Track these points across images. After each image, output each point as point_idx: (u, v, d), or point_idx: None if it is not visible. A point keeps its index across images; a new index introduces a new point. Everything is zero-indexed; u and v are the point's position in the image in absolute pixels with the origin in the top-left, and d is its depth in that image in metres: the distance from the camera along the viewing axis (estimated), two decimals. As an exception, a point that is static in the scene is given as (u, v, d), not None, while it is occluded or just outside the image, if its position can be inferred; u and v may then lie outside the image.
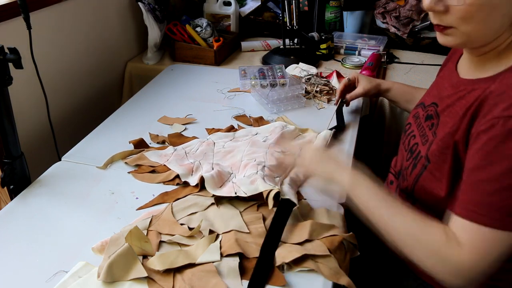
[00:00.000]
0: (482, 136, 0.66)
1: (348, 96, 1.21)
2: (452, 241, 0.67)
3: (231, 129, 1.15)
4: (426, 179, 0.79)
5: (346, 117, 1.22)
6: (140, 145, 1.08)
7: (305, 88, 1.34)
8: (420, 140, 0.84)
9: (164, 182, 0.94)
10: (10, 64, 0.84)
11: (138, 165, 1.00)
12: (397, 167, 0.94)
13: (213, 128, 1.16)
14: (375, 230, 0.75)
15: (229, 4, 1.82)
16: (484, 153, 0.65)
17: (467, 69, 0.80)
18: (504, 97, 0.65)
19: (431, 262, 0.69)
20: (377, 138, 1.52)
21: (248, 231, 0.80)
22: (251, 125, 1.19)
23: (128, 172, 0.98)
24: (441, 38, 0.74)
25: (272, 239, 0.78)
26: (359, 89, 1.18)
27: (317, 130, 1.14)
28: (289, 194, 0.87)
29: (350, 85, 1.21)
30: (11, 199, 0.91)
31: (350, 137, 1.13)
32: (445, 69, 0.91)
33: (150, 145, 1.09)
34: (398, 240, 0.72)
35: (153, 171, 0.98)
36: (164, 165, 0.99)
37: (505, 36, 0.71)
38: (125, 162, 1.01)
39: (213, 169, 0.95)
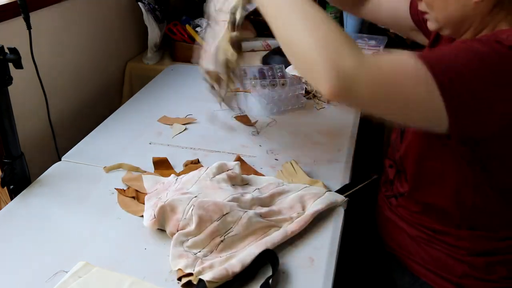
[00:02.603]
0: None
1: None
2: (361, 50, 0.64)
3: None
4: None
5: (345, 115, 1.22)
6: (162, 164, 1.00)
7: (305, 88, 1.34)
8: None
9: None
10: (10, 64, 0.84)
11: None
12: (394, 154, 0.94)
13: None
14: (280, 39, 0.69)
15: (229, 4, 1.82)
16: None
17: None
18: None
19: (324, 50, 0.62)
20: (377, 138, 1.52)
21: None
22: (250, 125, 1.19)
23: (115, 188, 0.92)
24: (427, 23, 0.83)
25: None
26: None
27: (327, 183, 0.93)
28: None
29: None
30: (11, 199, 0.91)
31: (350, 137, 1.13)
32: None
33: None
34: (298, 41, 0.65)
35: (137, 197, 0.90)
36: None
37: (477, 26, 0.74)
38: (122, 178, 0.96)
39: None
